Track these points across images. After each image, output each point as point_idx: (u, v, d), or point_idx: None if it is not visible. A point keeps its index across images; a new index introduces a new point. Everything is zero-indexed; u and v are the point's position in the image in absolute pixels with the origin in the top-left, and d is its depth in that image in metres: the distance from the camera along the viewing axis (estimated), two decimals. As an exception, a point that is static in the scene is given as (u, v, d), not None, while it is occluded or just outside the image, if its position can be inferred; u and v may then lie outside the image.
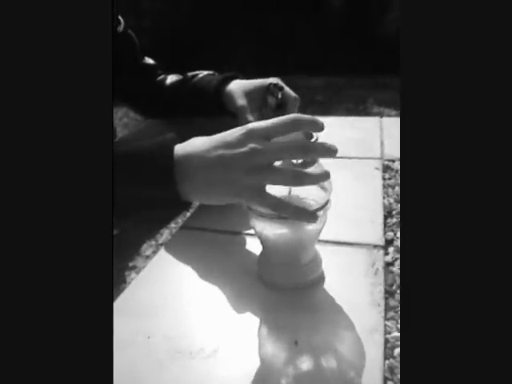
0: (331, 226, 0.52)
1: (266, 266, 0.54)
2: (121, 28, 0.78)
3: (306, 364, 0.41)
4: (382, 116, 1.20)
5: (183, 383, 0.41)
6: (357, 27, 3.98)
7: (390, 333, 0.45)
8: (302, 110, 0.64)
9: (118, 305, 0.51)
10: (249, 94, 0.67)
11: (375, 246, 0.59)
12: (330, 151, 0.42)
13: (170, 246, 0.64)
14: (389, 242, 0.60)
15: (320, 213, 0.47)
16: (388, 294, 0.51)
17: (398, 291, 0.51)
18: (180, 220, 0.98)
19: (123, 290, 0.54)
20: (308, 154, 0.43)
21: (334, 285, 0.52)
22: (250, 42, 4.15)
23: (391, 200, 0.72)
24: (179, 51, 4.02)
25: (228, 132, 0.43)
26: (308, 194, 0.49)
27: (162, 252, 0.62)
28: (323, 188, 0.48)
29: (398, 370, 0.41)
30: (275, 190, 0.44)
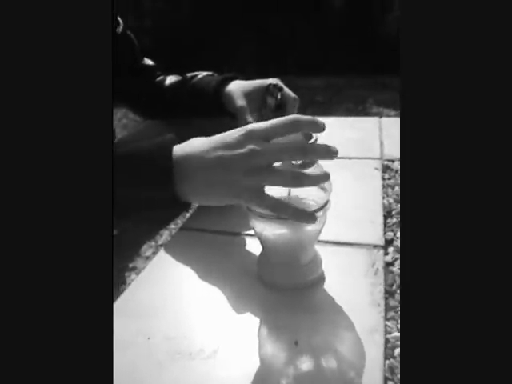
0: (331, 227, 0.52)
1: (266, 266, 0.54)
2: (120, 29, 0.78)
3: (306, 364, 0.41)
4: (381, 116, 1.20)
5: (183, 384, 0.41)
6: (357, 27, 3.98)
7: (390, 333, 0.45)
8: (302, 111, 0.64)
9: (118, 306, 0.51)
10: (248, 94, 0.67)
11: (375, 246, 0.59)
12: (329, 153, 0.42)
13: (170, 247, 0.63)
14: (389, 242, 0.60)
15: (320, 213, 0.47)
16: (388, 294, 0.51)
17: (398, 291, 0.51)
18: (180, 221, 0.98)
19: (123, 290, 0.54)
20: (307, 156, 0.43)
21: (334, 285, 0.52)
22: (249, 42, 4.15)
23: (391, 200, 0.72)
24: (179, 51, 4.02)
25: (227, 133, 0.43)
26: (308, 195, 0.49)
27: (162, 253, 0.62)
28: (323, 188, 0.47)
29: (398, 370, 0.41)
30: (275, 190, 0.44)
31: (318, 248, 0.54)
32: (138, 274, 0.58)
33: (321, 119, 0.42)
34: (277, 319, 0.47)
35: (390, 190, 0.76)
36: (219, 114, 0.70)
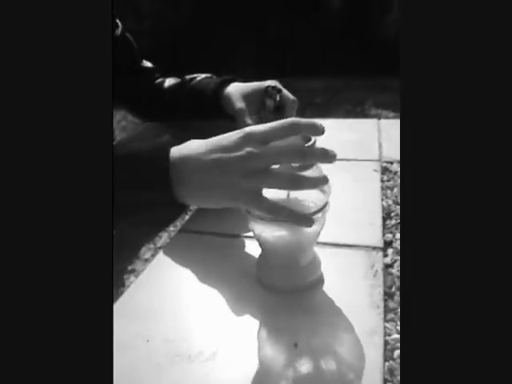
0: (330, 228, 0.52)
1: (265, 268, 0.54)
2: (119, 31, 0.78)
3: (305, 366, 0.41)
4: (380, 118, 1.20)
5: (182, 387, 0.41)
6: (356, 29, 3.99)
7: (389, 335, 0.45)
8: (301, 113, 0.64)
9: (117, 308, 0.51)
10: (247, 96, 0.67)
11: (374, 248, 0.59)
12: (328, 156, 0.42)
13: (169, 249, 0.63)
14: (388, 244, 0.60)
15: (319, 215, 0.47)
16: (387, 295, 0.51)
17: (397, 293, 0.51)
18: (179, 223, 0.98)
19: (122, 293, 0.54)
20: (305, 159, 0.43)
21: (333, 287, 0.52)
22: (249, 43, 4.16)
23: (390, 202, 0.72)
24: (178, 53, 4.03)
25: (225, 135, 0.43)
26: (307, 197, 0.49)
27: (161, 255, 0.62)
28: (322, 190, 0.47)
29: (397, 372, 0.41)
30: (274, 192, 0.44)
31: (317, 250, 0.54)
32: (136, 276, 0.58)
33: (319, 121, 0.42)
34: (276, 321, 0.47)
35: (388, 191, 0.76)
36: (218, 116, 0.70)
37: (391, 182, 0.79)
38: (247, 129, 0.42)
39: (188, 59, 3.79)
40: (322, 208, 0.47)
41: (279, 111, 0.66)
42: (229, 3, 4.08)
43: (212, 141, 0.44)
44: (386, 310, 0.48)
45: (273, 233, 0.48)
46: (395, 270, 0.55)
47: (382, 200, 0.72)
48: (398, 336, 0.44)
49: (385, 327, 0.45)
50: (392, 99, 3.15)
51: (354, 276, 0.53)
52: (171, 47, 4.12)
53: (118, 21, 0.78)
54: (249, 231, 0.63)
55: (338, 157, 0.42)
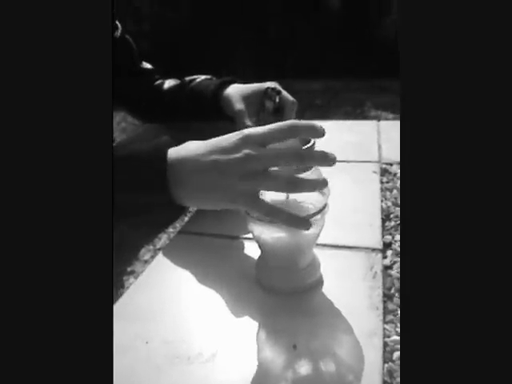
0: (329, 230, 0.52)
1: (264, 270, 0.54)
2: (118, 33, 0.78)
3: (304, 368, 0.41)
4: (379, 119, 1.20)
5: (182, 388, 0.41)
6: (354, 30, 3.99)
7: (388, 336, 0.45)
8: (300, 114, 0.64)
9: (117, 309, 0.51)
10: (246, 98, 0.67)
11: (373, 250, 0.59)
12: (327, 159, 0.42)
13: (168, 251, 0.63)
14: (387, 246, 0.60)
15: (318, 216, 0.47)
16: (386, 297, 0.51)
17: (397, 294, 0.51)
18: (178, 225, 0.98)
19: (121, 294, 0.54)
20: (304, 162, 0.43)
21: (333, 288, 0.52)
22: (248, 43, 4.16)
23: (389, 203, 0.72)
24: (178, 54, 4.03)
25: (224, 137, 0.43)
26: (306, 198, 0.49)
27: (160, 257, 0.62)
28: (321, 192, 0.47)
29: (397, 374, 0.41)
30: (273, 194, 0.44)
31: (317, 251, 0.54)
32: (136, 277, 0.58)
33: (319, 123, 0.42)
34: (275, 323, 0.47)
35: (388, 193, 0.76)
36: (218, 118, 0.70)
37: (390, 184, 0.79)
38: (246, 131, 0.42)
39: (187, 60, 3.79)
40: (321, 210, 0.47)
41: (279, 113, 0.66)
42: (228, 3, 4.08)
43: (211, 142, 0.43)
44: (385, 311, 0.48)
45: (272, 234, 0.48)
46: (394, 272, 0.55)
47: (382, 201, 0.72)
48: (397, 338, 0.44)
49: (384, 329, 0.46)
50: (391, 101, 3.16)
51: (354, 277, 0.53)
52: (171, 48, 4.12)
53: (117, 22, 0.78)
54: (248, 233, 0.63)
55: (337, 158, 0.42)
